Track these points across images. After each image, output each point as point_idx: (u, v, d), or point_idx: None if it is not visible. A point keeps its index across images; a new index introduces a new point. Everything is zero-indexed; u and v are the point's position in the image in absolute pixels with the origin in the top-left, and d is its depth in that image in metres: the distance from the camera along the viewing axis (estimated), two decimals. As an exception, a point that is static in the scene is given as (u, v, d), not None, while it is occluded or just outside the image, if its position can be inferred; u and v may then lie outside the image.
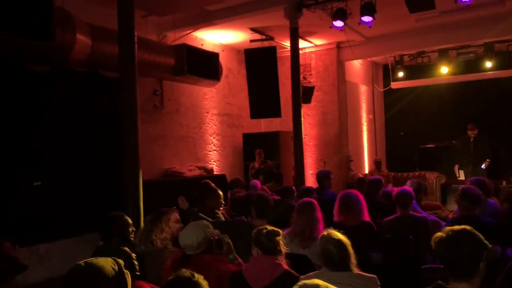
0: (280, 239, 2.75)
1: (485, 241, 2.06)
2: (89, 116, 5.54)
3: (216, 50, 8.29)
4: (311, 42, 9.53)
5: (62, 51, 4.97)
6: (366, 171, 10.92)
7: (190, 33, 7.99)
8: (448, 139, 10.29)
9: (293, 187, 6.06)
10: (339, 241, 2.56)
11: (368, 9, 6.12)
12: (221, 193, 4.59)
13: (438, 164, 9.91)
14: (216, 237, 2.93)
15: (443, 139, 10.54)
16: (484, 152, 8.50)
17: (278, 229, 2.79)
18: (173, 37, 7.78)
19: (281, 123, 10.09)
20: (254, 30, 8.31)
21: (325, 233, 2.66)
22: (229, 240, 3.05)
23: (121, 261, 1.77)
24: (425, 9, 5.98)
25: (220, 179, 8.25)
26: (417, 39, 9.07)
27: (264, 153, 8.66)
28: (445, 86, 10.78)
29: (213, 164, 8.89)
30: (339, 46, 9.81)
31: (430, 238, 2.28)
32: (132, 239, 3.32)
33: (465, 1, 5.45)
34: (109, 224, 3.22)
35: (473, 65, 10.00)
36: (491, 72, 9.67)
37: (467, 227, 2.11)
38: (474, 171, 8.32)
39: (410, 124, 11.57)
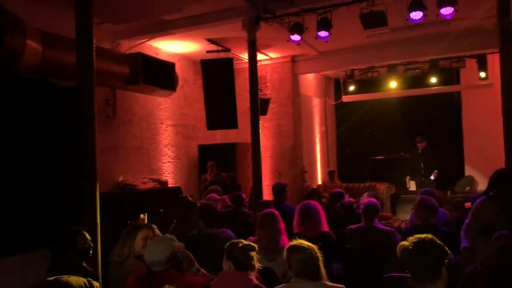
0: (254, 254, 2.71)
1: (446, 248, 2.19)
2: (39, 125, 5.23)
3: (171, 60, 8.17)
4: (266, 55, 9.64)
5: (11, 57, 4.69)
6: (319, 182, 11.13)
7: (145, 42, 7.83)
8: (397, 151, 10.73)
9: (243, 195, 6.10)
10: (308, 251, 2.56)
11: (325, 25, 6.27)
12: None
13: (388, 175, 10.28)
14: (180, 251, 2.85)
15: (392, 151, 10.97)
16: (432, 164, 8.93)
17: (254, 244, 2.75)
18: (127, 46, 7.59)
19: (237, 135, 10.06)
20: (210, 41, 8.28)
21: (293, 243, 2.65)
22: (189, 253, 2.98)
23: (96, 284, 1.67)
24: (378, 26, 6.22)
25: (175, 192, 8.08)
26: (367, 54, 9.41)
27: (217, 165, 8.60)
28: (394, 100, 11.25)
29: (168, 176, 8.69)
30: (293, 59, 9.99)
31: (393, 249, 2.41)
32: (90, 255, 3.16)
33: (415, 20, 5.71)
34: (70, 238, 3.04)
35: (419, 81, 10.53)
36: (435, 88, 10.19)
37: (429, 236, 2.24)
38: (424, 182, 8.70)
39: (361, 136, 11.96)
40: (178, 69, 8.10)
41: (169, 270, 2.73)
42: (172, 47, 8.67)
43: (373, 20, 6.09)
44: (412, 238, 2.24)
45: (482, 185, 9.82)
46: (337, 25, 6.56)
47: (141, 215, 4.30)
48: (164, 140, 8.74)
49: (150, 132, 8.32)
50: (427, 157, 9.02)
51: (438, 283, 2.11)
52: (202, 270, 2.93)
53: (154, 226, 3.44)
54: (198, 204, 4.81)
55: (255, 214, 4.98)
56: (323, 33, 6.30)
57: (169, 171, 8.81)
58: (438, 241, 2.21)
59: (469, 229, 3.84)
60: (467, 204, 6.26)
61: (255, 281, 2.69)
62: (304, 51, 9.02)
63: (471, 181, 10.17)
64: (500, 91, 5.91)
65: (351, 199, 5.84)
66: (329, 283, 2.57)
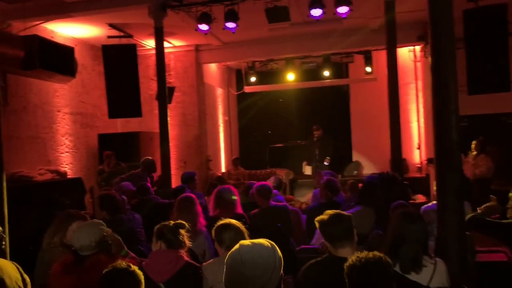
0: (184, 231, 2.83)
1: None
2: None
3: (68, 44, 7.73)
4: (170, 43, 9.57)
5: None
6: (224, 170, 11.41)
7: (40, 24, 7.29)
8: (295, 139, 11.45)
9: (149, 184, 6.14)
10: (237, 227, 2.77)
11: (232, 16, 6.48)
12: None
13: (287, 161, 10.95)
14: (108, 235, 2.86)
15: (290, 139, 11.67)
16: (327, 150, 9.72)
17: (184, 222, 2.87)
18: (19, 27, 7.00)
19: (139, 123, 9.87)
20: (112, 26, 8.00)
21: (222, 221, 2.84)
22: (119, 237, 3.00)
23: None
24: (282, 21, 6.61)
25: (75, 183, 7.73)
26: (268, 47, 9.88)
27: (119, 155, 8.31)
28: (292, 92, 11.94)
29: (66, 167, 8.24)
30: (197, 48, 10.06)
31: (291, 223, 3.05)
32: (3, 246, 2.99)
33: (315, 17, 6.20)
34: None
35: (314, 74, 11.32)
36: (328, 80, 11.05)
37: (338, 210, 2.73)
38: (318, 167, 9.45)
39: (262, 125, 12.49)
40: (76, 54, 7.69)
41: (98, 255, 2.73)
42: (69, 31, 8.18)
43: (277, 14, 6.45)
44: (326, 213, 2.64)
45: (367, 169, 10.98)
46: (242, 17, 6.82)
47: None
48: (62, 129, 8.25)
49: (46, 121, 7.80)
50: (322, 144, 9.81)
51: (353, 243, 2.49)
52: (131, 253, 2.97)
53: (87, 216, 3.36)
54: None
55: (169, 201, 5.05)
56: (230, 24, 6.51)
57: (67, 162, 8.35)
58: (346, 213, 2.70)
59: None
60: (360, 185, 7.06)
61: (186, 258, 2.82)
62: (209, 40, 9.15)
63: (358, 165, 11.28)
64: (385, 85, 6.71)
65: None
66: None
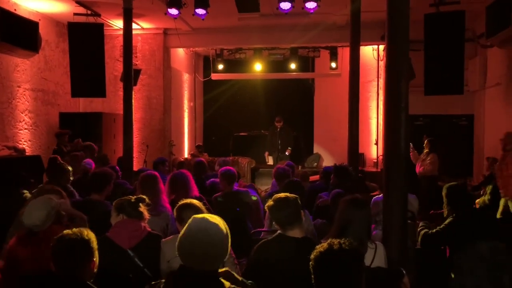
0: (143, 205, 2.94)
1: (299, 201, 2.84)
2: None
3: (32, 19, 7.53)
4: (138, 25, 9.48)
5: None
6: (186, 155, 11.45)
7: (2, -5, 7.08)
8: (259, 129, 11.62)
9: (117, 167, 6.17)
10: (196, 206, 2.90)
11: (202, 2, 6.53)
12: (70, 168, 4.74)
13: (250, 150, 11.11)
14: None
15: (254, 129, 11.83)
16: (288, 141, 9.96)
17: (144, 196, 2.97)
18: (-20, -3, 6.79)
19: (102, 104, 9.77)
20: (79, 3, 7.83)
21: (182, 202, 2.96)
22: (81, 213, 3.09)
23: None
24: (251, 11, 6.71)
25: (33, 160, 7.59)
26: (237, 36, 9.97)
27: (79, 135, 8.12)
28: (258, 82, 12.07)
29: (25, 144, 8.07)
30: (165, 32, 10.01)
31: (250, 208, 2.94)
32: None
33: (284, 10, 6.34)
34: None
35: (281, 65, 11.49)
36: (294, 73, 11.26)
37: (285, 194, 2.88)
38: (280, 157, 9.67)
39: (227, 113, 12.58)
40: (40, 30, 7.51)
41: (52, 227, 2.79)
42: (34, 5, 7.96)
43: (247, 4, 6.55)
44: (274, 197, 2.82)
45: (326, 161, 11.31)
46: (212, 4, 6.87)
47: None
48: (21, 105, 8.06)
49: (5, 96, 7.59)
50: (284, 135, 10.03)
51: (301, 224, 2.67)
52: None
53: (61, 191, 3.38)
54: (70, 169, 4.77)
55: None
56: (200, 11, 6.56)
57: (26, 139, 8.17)
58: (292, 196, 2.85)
59: None
60: (312, 177, 7.35)
61: (148, 229, 2.95)
62: (178, 25, 9.12)
63: (318, 157, 11.59)
64: (348, 81, 6.96)
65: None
66: None
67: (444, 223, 3.57)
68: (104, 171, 4.32)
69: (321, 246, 1.88)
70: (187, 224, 1.84)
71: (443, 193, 3.69)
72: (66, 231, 2.22)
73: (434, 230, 3.59)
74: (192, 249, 1.77)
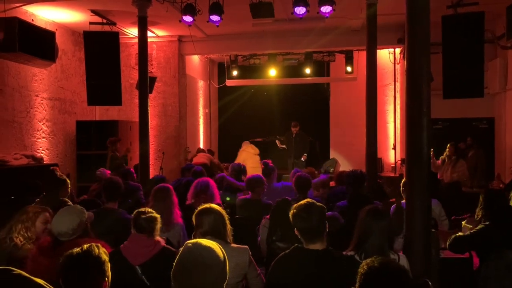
0: (157, 224, 2.88)
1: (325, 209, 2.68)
2: None
3: (49, 29, 7.62)
4: (153, 32, 9.52)
5: None
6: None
7: (20, 6, 7.17)
8: (274, 134, 11.54)
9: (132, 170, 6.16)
10: (217, 211, 2.81)
11: (217, 9, 6.51)
12: (68, 181, 4.59)
13: (264, 156, 11.01)
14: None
15: (269, 134, 11.76)
16: (304, 147, 9.86)
17: (157, 215, 2.92)
18: (-1, 9, 6.88)
19: (119, 112, 9.83)
20: (95, 12, 7.92)
21: (202, 206, 2.88)
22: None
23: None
24: (266, 17, 6.66)
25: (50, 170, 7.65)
26: (251, 42, 9.94)
27: (99, 143, 8.25)
28: (273, 87, 12.03)
29: (43, 153, 8.15)
30: (180, 39, 10.04)
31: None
32: None
33: (299, 14, 6.28)
34: None
35: (296, 70, 11.42)
36: (309, 78, 11.17)
37: (310, 200, 2.71)
38: (295, 163, 9.58)
39: (242, 119, 12.53)
40: (56, 39, 7.59)
41: (77, 240, 2.73)
42: (50, 15, 8.07)
43: (261, 10, 6.51)
44: (295, 206, 2.69)
45: (343, 166, 11.16)
46: (227, 11, 6.86)
47: None
48: (39, 114, 8.15)
49: (23, 105, 7.68)
50: (300, 140, 9.94)
51: (323, 238, 2.56)
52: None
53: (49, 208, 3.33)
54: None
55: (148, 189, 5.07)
56: (215, 17, 6.53)
57: (43, 148, 8.26)
58: (319, 204, 2.69)
59: None
60: (332, 183, 7.21)
61: (163, 243, 2.89)
62: (192, 32, 9.14)
63: (335, 162, 11.45)
64: (364, 85, 6.85)
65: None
66: (233, 244, 2.84)
67: (479, 226, 3.46)
68: (112, 179, 4.30)
69: (372, 262, 1.85)
70: (180, 251, 1.76)
71: (481, 196, 3.58)
72: (75, 249, 2.08)
73: (468, 232, 3.48)
74: (186, 278, 1.68)
